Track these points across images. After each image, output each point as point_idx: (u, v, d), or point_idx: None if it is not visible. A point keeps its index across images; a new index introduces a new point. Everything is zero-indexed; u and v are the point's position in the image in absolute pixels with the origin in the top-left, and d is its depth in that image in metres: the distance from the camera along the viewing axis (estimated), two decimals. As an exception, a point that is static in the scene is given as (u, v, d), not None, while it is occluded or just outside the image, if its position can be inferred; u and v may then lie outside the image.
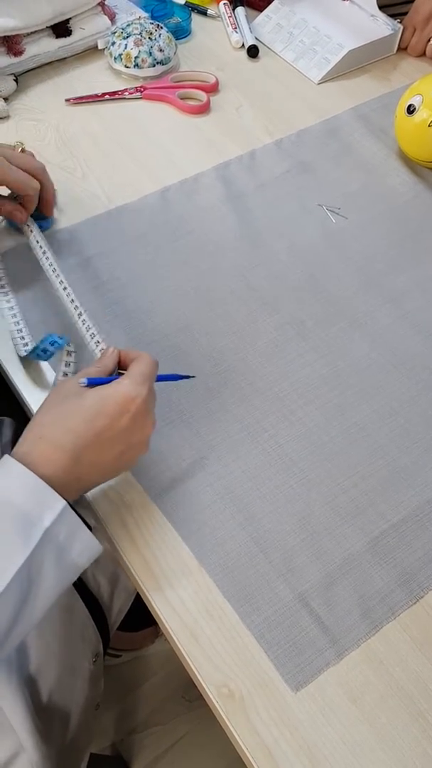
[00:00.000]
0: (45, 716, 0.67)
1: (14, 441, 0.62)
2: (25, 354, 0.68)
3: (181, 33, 1.05)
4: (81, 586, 0.75)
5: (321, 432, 0.67)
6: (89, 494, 0.62)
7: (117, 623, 0.81)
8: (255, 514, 0.62)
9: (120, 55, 0.98)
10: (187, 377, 0.65)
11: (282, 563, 0.59)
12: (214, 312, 0.76)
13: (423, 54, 1.07)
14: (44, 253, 0.72)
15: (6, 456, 0.50)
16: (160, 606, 0.57)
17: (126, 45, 0.97)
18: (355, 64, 1.04)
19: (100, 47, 1.01)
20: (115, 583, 0.80)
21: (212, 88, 0.98)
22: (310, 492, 0.63)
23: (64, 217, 0.82)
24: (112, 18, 1.02)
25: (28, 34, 0.95)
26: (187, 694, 1.21)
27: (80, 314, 0.66)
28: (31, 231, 0.75)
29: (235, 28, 1.06)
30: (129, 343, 0.72)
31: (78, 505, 0.53)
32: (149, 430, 0.56)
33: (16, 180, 0.70)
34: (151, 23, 0.99)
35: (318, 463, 0.65)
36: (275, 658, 0.55)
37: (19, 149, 0.74)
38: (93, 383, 0.55)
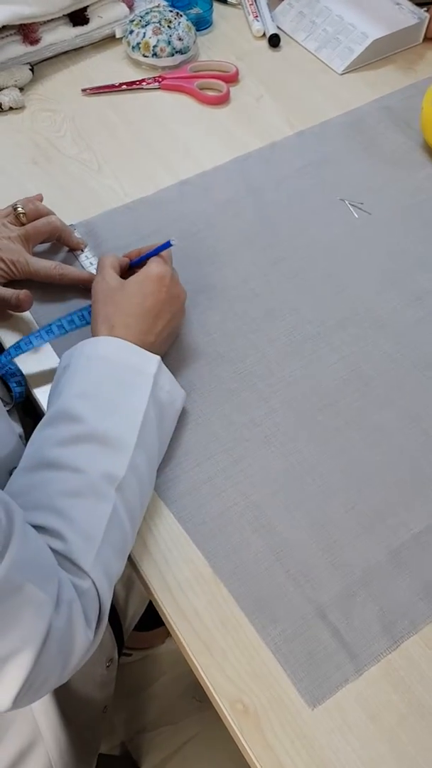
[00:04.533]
0: (58, 713, 0.66)
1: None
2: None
3: (202, 24, 1.02)
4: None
5: (341, 437, 0.65)
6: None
7: (131, 627, 0.80)
8: (272, 522, 0.60)
9: (138, 43, 0.95)
10: (169, 244, 0.67)
11: (299, 573, 0.57)
12: (232, 310, 0.73)
13: (450, 43, 1.03)
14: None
15: (99, 337, 0.62)
16: (173, 615, 0.55)
17: (144, 33, 0.95)
18: (380, 54, 1.00)
19: (117, 36, 0.99)
20: (130, 587, 0.78)
21: (232, 78, 0.96)
22: (330, 499, 0.61)
23: (79, 211, 0.80)
24: (131, 6, 1.00)
25: (45, 23, 0.92)
26: (198, 694, 1.20)
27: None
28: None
29: (257, 16, 1.03)
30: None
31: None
32: (183, 297, 0.68)
33: (39, 268, 0.70)
34: (171, 11, 0.97)
35: (338, 468, 0.63)
36: (292, 672, 0.53)
37: (20, 210, 0.72)
38: (134, 264, 0.70)
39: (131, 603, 0.78)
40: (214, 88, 0.95)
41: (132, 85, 0.94)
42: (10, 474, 0.59)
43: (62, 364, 0.62)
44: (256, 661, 0.53)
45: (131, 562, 0.58)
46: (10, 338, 0.70)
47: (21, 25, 0.90)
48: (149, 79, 0.95)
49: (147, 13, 0.96)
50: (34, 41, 0.92)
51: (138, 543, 0.58)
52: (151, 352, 0.62)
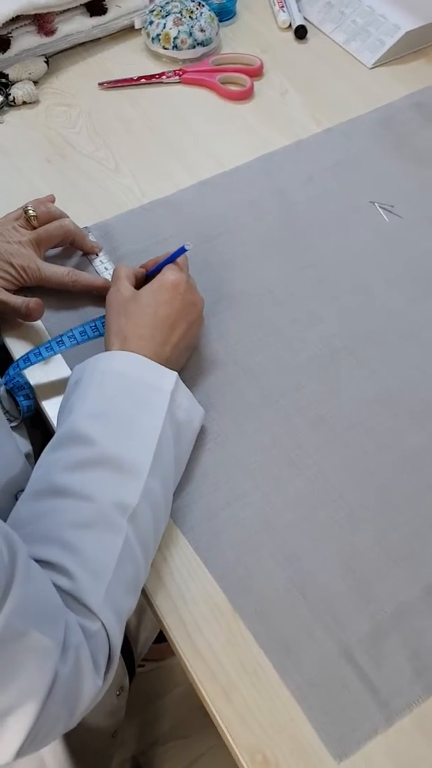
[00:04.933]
0: (65, 746, 0.63)
1: None
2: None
3: (225, 15, 0.97)
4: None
5: (370, 460, 0.60)
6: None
7: (143, 653, 0.76)
8: (296, 552, 0.56)
9: (158, 35, 0.91)
10: (184, 250, 0.64)
11: (325, 610, 0.53)
12: (254, 320, 0.69)
13: None
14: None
15: (112, 351, 0.58)
16: (188, 655, 0.51)
17: (165, 24, 0.90)
18: (413, 47, 0.95)
19: (136, 27, 0.94)
20: (142, 613, 0.75)
21: (256, 72, 0.91)
22: (358, 528, 0.57)
23: (94, 213, 0.76)
24: (151, -5, 0.95)
25: (61, 12, 0.88)
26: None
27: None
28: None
29: (282, 6, 0.98)
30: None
31: None
32: (200, 304, 0.64)
33: (50, 274, 0.66)
34: (192, 1, 0.92)
35: (367, 495, 0.58)
36: (317, 722, 0.49)
37: (31, 212, 0.68)
38: (150, 274, 0.66)
39: (143, 629, 0.75)
40: (237, 82, 0.90)
41: (151, 79, 0.90)
42: (17, 497, 0.55)
43: (73, 379, 0.58)
44: (278, 708, 0.49)
45: (144, 595, 0.54)
46: (19, 348, 0.66)
47: (36, 15, 0.86)
48: (169, 72, 0.90)
49: (167, 3, 0.91)
50: (50, 32, 0.87)
51: (151, 574, 0.54)
52: (168, 365, 0.59)
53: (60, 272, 0.67)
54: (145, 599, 0.54)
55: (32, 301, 0.63)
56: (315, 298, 0.71)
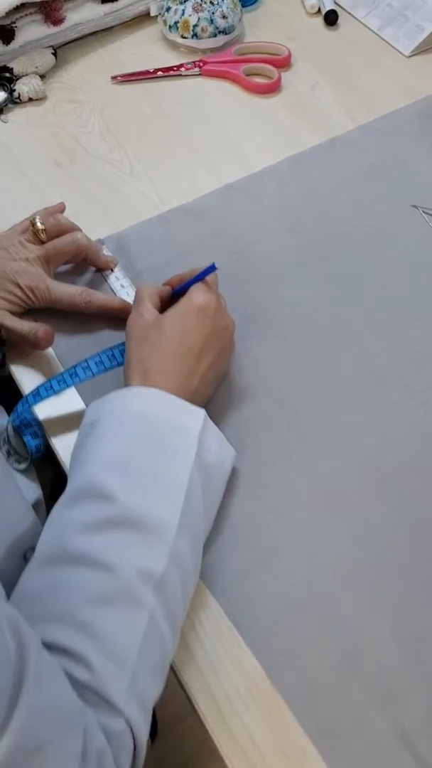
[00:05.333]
0: None
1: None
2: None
3: (248, 0, 0.90)
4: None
5: (424, 505, 0.53)
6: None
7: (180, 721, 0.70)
8: (341, 616, 0.49)
9: (176, 23, 0.83)
10: (214, 268, 0.57)
11: (377, 686, 0.47)
12: (287, 343, 0.62)
13: None
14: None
15: (132, 387, 0.52)
16: (222, 739, 0.45)
17: (183, 11, 0.82)
18: (454, 31, 0.87)
19: (152, 14, 0.86)
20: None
21: (284, 63, 0.83)
22: (413, 587, 0.50)
23: (108, 223, 0.69)
24: (167, -21, 0.87)
25: (70, -1, 0.81)
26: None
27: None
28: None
29: (310, -11, 0.90)
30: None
31: None
32: (231, 328, 0.57)
33: (61, 295, 0.60)
34: (213, -16, 0.84)
35: (422, 548, 0.51)
36: None
37: (39, 225, 0.61)
38: (176, 293, 0.59)
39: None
40: (263, 73, 0.83)
41: (169, 72, 0.82)
42: (26, 557, 0.49)
43: (88, 419, 0.51)
44: (326, 807, 0.43)
45: (170, 669, 0.47)
46: (28, 378, 0.60)
47: (42, 2, 0.78)
48: (188, 64, 0.83)
49: (186, -13, 0.84)
50: (58, 21, 0.80)
51: (179, 645, 0.47)
52: (194, 399, 0.53)
53: (72, 293, 0.60)
54: (173, 674, 0.48)
55: (41, 330, 0.57)
56: (354, 318, 0.63)
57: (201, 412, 0.51)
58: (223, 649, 0.48)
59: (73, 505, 0.46)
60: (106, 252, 0.66)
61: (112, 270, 0.65)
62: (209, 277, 0.57)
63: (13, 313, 0.59)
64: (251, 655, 0.48)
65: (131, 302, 0.63)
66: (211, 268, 0.57)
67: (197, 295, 0.55)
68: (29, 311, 0.61)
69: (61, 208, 0.66)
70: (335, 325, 0.63)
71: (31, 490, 0.56)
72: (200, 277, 0.57)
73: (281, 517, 0.53)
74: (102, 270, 0.65)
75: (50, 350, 0.60)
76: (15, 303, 0.59)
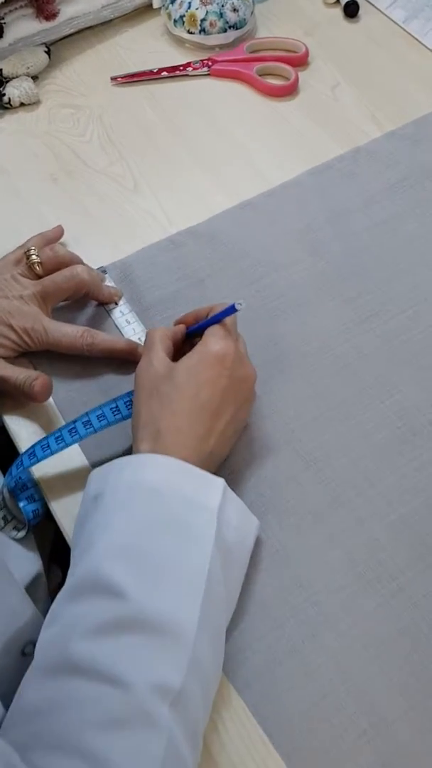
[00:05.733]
0: None
1: None
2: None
3: (259, -12, 0.81)
4: None
5: (471, 581, 0.48)
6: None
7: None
8: (384, 717, 0.43)
9: (182, 16, 0.75)
10: (234, 309, 0.50)
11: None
12: (312, 389, 0.56)
13: None
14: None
15: (141, 455, 0.45)
16: None
17: (190, 3, 0.75)
18: None
19: (155, 6, 0.79)
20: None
21: (300, 61, 0.76)
22: (461, 680, 0.44)
23: (111, 248, 0.62)
24: (171, -34, 0.79)
25: (64, -10, 0.73)
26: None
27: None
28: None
29: (328, -24, 0.82)
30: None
31: None
32: (252, 378, 0.51)
33: (60, 337, 0.54)
34: (223, -27, 0.76)
35: (471, 633, 0.46)
36: None
37: (35, 258, 0.55)
38: (191, 333, 0.53)
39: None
40: (278, 73, 0.75)
41: (174, 72, 0.75)
42: (24, 652, 0.43)
43: (91, 491, 0.45)
44: None
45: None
46: (24, 431, 0.53)
47: (34, -6, 0.70)
48: (196, 63, 0.75)
49: (193, -23, 0.76)
50: (51, 15, 0.72)
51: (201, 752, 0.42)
52: (210, 462, 0.47)
53: (72, 334, 0.53)
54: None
55: (37, 382, 0.50)
56: (387, 357, 0.57)
57: (220, 483, 0.45)
58: (249, 754, 0.42)
59: (78, 600, 0.40)
60: (109, 282, 0.59)
61: (116, 303, 0.59)
62: (228, 319, 0.51)
63: (6, 358, 0.53)
64: (283, 764, 0.42)
65: (138, 341, 0.56)
66: (231, 310, 0.50)
67: (213, 342, 0.49)
68: (24, 354, 0.54)
69: (59, 234, 0.60)
70: (364, 365, 0.56)
71: (29, 561, 0.50)
72: (217, 318, 0.50)
73: (311, 594, 0.47)
74: (105, 304, 0.59)
75: (49, 399, 0.54)
76: (8, 347, 0.52)
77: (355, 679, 0.44)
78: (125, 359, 0.55)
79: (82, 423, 0.50)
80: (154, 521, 0.42)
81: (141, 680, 0.37)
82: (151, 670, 0.37)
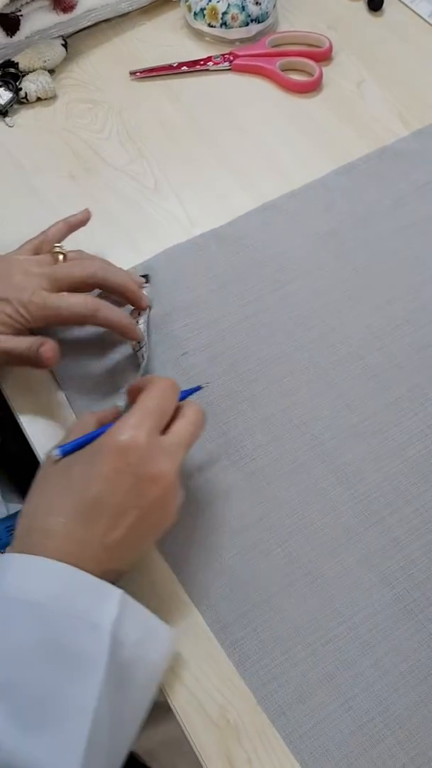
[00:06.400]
0: None
1: None
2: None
3: (280, -22, 0.79)
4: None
5: None
6: (174, 707, 0.42)
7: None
8: (425, 749, 0.41)
9: (202, 9, 0.73)
10: (198, 388, 0.48)
11: None
12: (341, 399, 0.53)
13: None
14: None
15: (15, 556, 0.39)
16: None
17: (211, -5, 0.72)
18: None
19: (174, -2, 0.76)
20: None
21: (324, 56, 0.73)
22: None
23: (132, 248, 0.60)
24: None
25: (81, -19, 0.70)
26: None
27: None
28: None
29: (351, -32, 0.80)
30: (219, 453, 0.51)
31: None
32: (167, 480, 0.41)
33: (60, 306, 0.49)
34: (244, -36, 0.73)
35: None
36: None
37: (60, 256, 0.52)
38: (69, 451, 0.43)
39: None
40: (301, 69, 0.73)
41: (194, 66, 0.72)
42: None
43: None
44: None
45: None
46: (37, 428, 0.51)
47: (51, -15, 0.68)
48: (217, 57, 0.72)
49: (214, -33, 0.73)
50: (68, 7, 0.69)
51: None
52: (106, 568, 0.40)
53: (75, 302, 0.49)
54: None
55: (44, 348, 0.48)
56: (419, 367, 0.55)
57: (116, 595, 0.39)
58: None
59: None
60: (146, 290, 0.56)
61: (140, 314, 0.55)
62: (150, 403, 0.42)
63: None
64: (316, 795, 0.40)
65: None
66: (196, 389, 0.48)
67: (119, 431, 0.41)
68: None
69: (85, 219, 0.56)
70: (395, 374, 0.54)
71: None
72: (182, 397, 0.46)
73: (348, 617, 0.45)
74: (134, 308, 0.55)
75: (61, 394, 0.51)
76: (7, 324, 0.49)
77: (393, 708, 0.42)
78: (124, 337, 0.53)
79: None
80: (34, 647, 0.37)
81: None
82: None
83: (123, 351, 0.55)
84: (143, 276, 0.57)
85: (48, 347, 0.48)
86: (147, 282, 0.57)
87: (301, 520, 0.48)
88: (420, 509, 0.49)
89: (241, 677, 0.43)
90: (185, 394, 0.47)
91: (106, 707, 0.37)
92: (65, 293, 0.50)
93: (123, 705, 0.38)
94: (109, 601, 0.39)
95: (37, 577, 0.38)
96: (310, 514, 0.49)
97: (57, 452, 0.43)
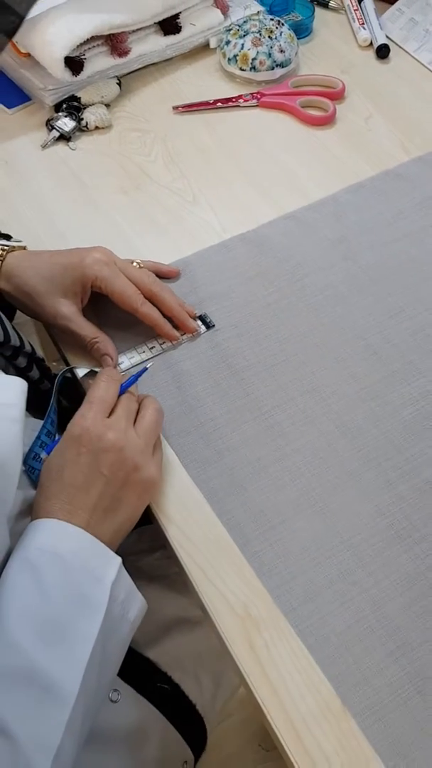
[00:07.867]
0: None
1: None
2: None
3: (301, 32, 0.92)
4: (173, 695, 0.65)
5: None
6: (205, 603, 0.52)
7: (218, 724, 0.71)
8: (408, 640, 0.51)
9: (235, 56, 0.86)
10: (145, 370, 0.59)
11: (444, 709, 0.48)
12: (346, 371, 0.64)
13: None
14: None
15: (50, 522, 0.49)
16: (299, 759, 0.47)
17: (243, 45, 0.85)
18: None
19: (212, 46, 0.90)
20: (219, 681, 0.70)
21: (338, 95, 0.86)
22: (475, 614, 0.52)
23: (173, 249, 0.72)
24: (225, 12, 0.90)
25: (134, 32, 0.84)
26: (264, 743, 1.12)
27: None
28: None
29: (363, 23, 0.93)
30: (244, 409, 0.61)
31: None
32: (116, 448, 0.51)
33: (121, 292, 0.61)
34: (271, 19, 0.87)
35: None
36: None
37: (134, 263, 0.65)
38: (51, 448, 0.54)
39: (220, 697, 0.70)
40: (318, 106, 0.85)
41: (227, 103, 0.85)
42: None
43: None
44: None
45: (246, 687, 0.50)
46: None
47: (109, 35, 0.81)
48: (246, 95, 0.86)
49: (245, 22, 0.87)
50: (123, 53, 0.83)
51: (252, 663, 0.50)
52: (99, 526, 0.51)
53: (133, 291, 0.62)
54: (248, 690, 0.50)
55: (95, 348, 0.61)
56: (414, 348, 0.65)
57: (117, 561, 0.50)
58: (295, 668, 0.50)
59: None
60: (198, 326, 0.66)
61: (183, 339, 0.65)
62: (97, 392, 0.54)
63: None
64: (322, 675, 0.49)
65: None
66: (142, 371, 0.59)
67: (73, 424, 0.53)
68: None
69: (172, 274, 0.69)
70: (392, 352, 0.65)
71: None
72: (131, 381, 0.57)
73: (346, 540, 0.55)
74: (179, 330, 0.65)
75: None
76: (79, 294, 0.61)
77: (383, 609, 0.52)
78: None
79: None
80: (59, 587, 0.47)
81: (27, 734, 0.42)
82: (36, 725, 0.42)
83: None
84: (199, 317, 0.66)
85: (97, 350, 0.61)
86: (202, 324, 0.66)
87: (311, 462, 0.59)
88: (410, 458, 0.59)
89: (259, 580, 0.53)
90: (136, 377, 0.58)
91: (100, 644, 0.47)
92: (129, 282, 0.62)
93: (109, 646, 0.48)
94: (112, 564, 0.50)
95: (68, 540, 0.49)
96: (318, 459, 0.59)
97: (43, 453, 0.54)
